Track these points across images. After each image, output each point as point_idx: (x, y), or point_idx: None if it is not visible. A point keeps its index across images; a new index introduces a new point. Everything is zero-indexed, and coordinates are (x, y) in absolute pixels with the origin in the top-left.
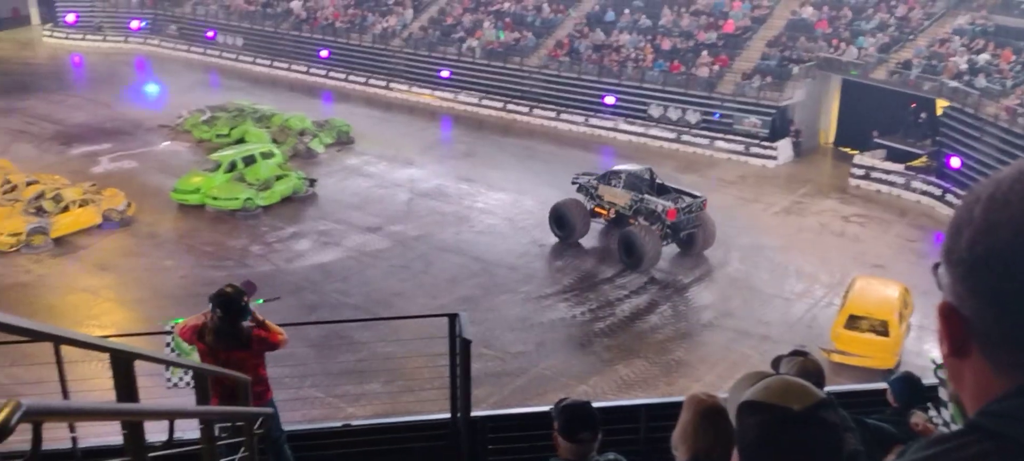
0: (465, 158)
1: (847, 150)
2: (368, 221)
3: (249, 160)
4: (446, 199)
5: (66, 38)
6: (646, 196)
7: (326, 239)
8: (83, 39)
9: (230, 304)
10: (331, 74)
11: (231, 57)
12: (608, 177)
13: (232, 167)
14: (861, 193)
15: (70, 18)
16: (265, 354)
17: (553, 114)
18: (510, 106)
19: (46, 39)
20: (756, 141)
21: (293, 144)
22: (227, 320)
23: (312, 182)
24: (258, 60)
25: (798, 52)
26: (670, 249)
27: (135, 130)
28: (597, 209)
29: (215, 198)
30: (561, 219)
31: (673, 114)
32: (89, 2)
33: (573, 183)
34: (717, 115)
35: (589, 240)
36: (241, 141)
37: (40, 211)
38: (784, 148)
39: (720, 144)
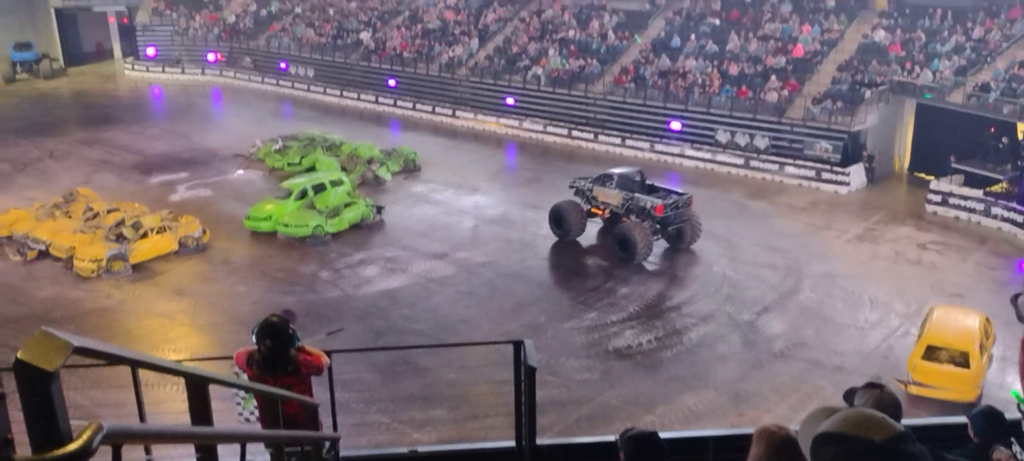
0: (530, 185)
1: (923, 176)
2: (434, 248)
3: (319, 188)
4: (511, 226)
5: (146, 71)
6: (637, 195)
7: (393, 266)
8: (162, 72)
9: (278, 333)
10: (399, 103)
11: (303, 88)
12: (602, 179)
13: (303, 195)
14: (938, 220)
15: (150, 52)
16: (312, 379)
17: (618, 140)
18: (575, 133)
19: (128, 72)
20: (827, 167)
21: (362, 172)
22: (276, 349)
23: (380, 209)
24: (329, 90)
25: (870, 76)
26: (738, 278)
27: (211, 159)
28: (594, 209)
29: (286, 225)
30: (559, 219)
31: (741, 140)
32: (168, 36)
33: (570, 187)
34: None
35: (587, 239)
36: (312, 169)
37: (120, 238)
38: (857, 174)
39: (790, 170)
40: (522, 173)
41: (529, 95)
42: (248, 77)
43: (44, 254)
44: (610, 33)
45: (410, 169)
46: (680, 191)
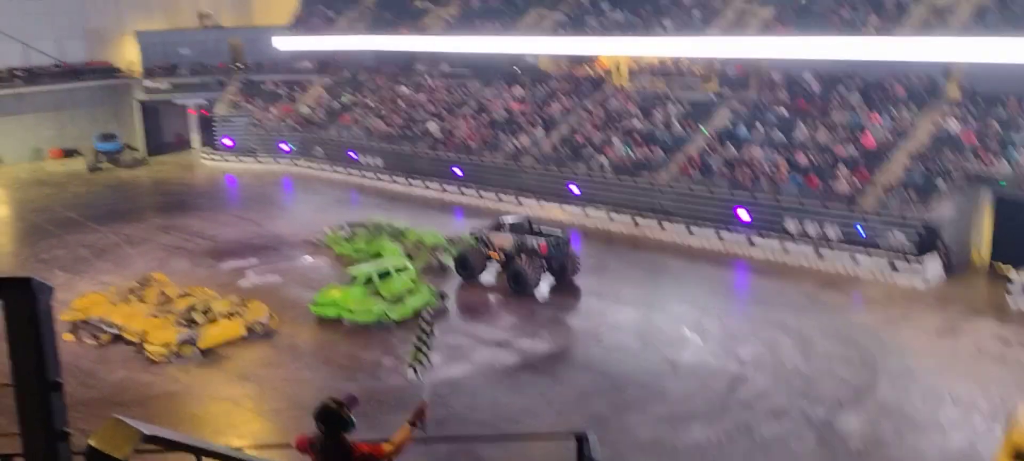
0: (594, 272)
1: (1003, 267)
2: (497, 336)
3: (384, 274)
4: (575, 314)
5: (223, 160)
6: (525, 237)
7: (455, 353)
8: (238, 161)
9: (331, 418)
10: (464, 191)
11: (371, 176)
12: (497, 227)
13: (368, 281)
14: (1021, 314)
15: (227, 142)
16: None
17: (684, 229)
18: (640, 220)
19: (204, 161)
20: (902, 257)
21: (426, 259)
22: (330, 434)
23: (443, 296)
24: (396, 178)
25: (944, 165)
26: (811, 372)
27: (280, 245)
28: (491, 253)
29: (351, 311)
30: (464, 262)
31: (811, 229)
32: (244, 127)
33: (471, 234)
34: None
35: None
36: (377, 256)
37: (191, 322)
38: (933, 265)
39: (863, 260)
40: (586, 260)
41: (593, 183)
42: (319, 166)
43: (117, 338)
44: (675, 123)
45: None
46: (557, 232)
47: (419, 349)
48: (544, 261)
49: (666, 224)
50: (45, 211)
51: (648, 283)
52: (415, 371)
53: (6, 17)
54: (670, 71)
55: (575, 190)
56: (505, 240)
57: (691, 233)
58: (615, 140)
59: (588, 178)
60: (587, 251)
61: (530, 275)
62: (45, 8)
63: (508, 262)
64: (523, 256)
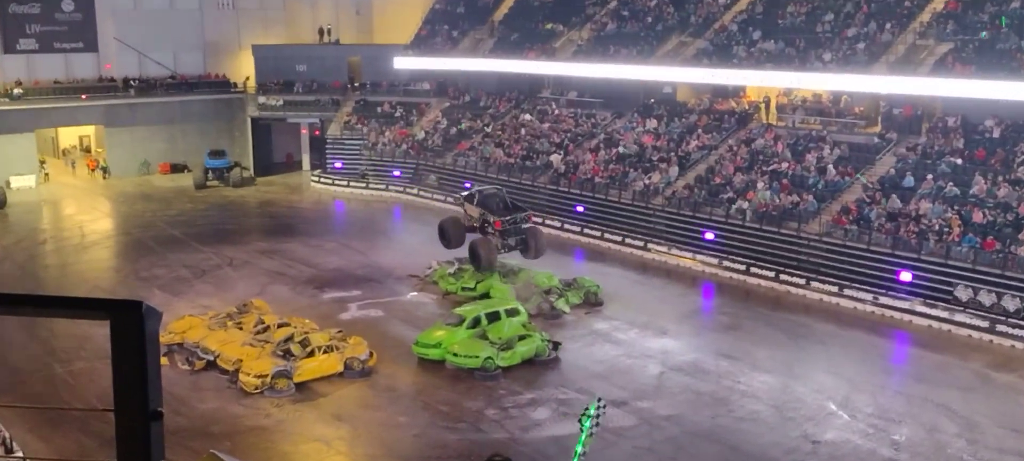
0: (727, 331)
1: None
2: (613, 393)
3: (493, 317)
4: (703, 377)
5: (332, 184)
6: (484, 212)
7: (565, 409)
8: (347, 185)
9: None
10: (586, 231)
11: None
12: (470, 197)
13: (475, 323)
14: None
15: (338, 164)
16: None
17: (835, 289)
18: (783, 276)
19: (313, 184)
20: None
21: (538, 302)
22: None
23: (555, 345)
24: None
25: None
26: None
27: (385, 278)
28: (472, 223)
29: (455, 354)
30: (443, 232)
31: (986, 299)
32: (357, 150)
33: (456, 201)
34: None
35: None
36: (486, 296)
37: (287, 354)
38: None
39: None
40: (719, 317)
41: (732, 231)
42: (431, 195)
43: (211, 364)
44: (830, 167)
45: (591, 303)
46: (521, 207)
47: (585, 439)
48: (499, 235)
49: (814, 282)
50: (149, 227)
51: (789, 347)
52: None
53: (125, 26)
54: (827, 109)
55: (710, 237)
56: (473, 212)
57: (842, 294)
58: (759, 183)
59: (726, 224)
60: (720, 307)
61: (482, 251)
62: (164, 18)
63: (482, 231)
64: (486, 229)
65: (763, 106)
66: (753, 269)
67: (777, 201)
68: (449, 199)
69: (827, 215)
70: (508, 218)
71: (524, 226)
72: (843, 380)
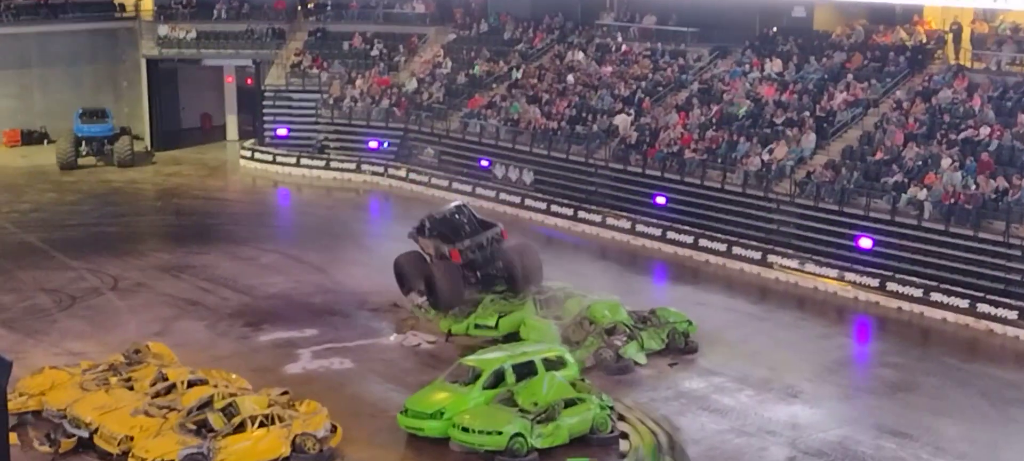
0: (894, 394)
1: None
2: None
3: (525, 370)
4: None
5: (273, 161)
6: (436, 242)
7: None
8: (297, 164)
9: None
10: (669, 235)
11: (513, 199)
12: (421, 228)
13: (497, 380)
14: None
15: (281, 132)
16: None
17: None
18: (983, 307)
19: (245, 162)
20: None
21: (596, 348)
22: None
23: (621, 416)
24: (554, 207)
25: None
26: None
27: (354, 310)
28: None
29: (466, 429)
30: (399, 273)
31: None
32: (311, 109)
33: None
34: None
35: None
36: (514, 338)
37: (202, 428)
38: None
39: None
40: (881, 372)
41: (901, 234)
42: (428, 178)
43: (86, 444)
44: None
45: (679, 348)
46: (492, 225)
47: None
48: (466, 270)
49: None
50: None
51: (994, 420)
52: None
53: None
54: None
55: (866, 244)
56: (429, 246)
57: None
58: (945, 160)
59: (891, 225)
60: (884, 354)
61: (442, 284)
62: None
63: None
64: (442, 261)
65: (950, 38)
66: (935, 296)
67: (973, 188)
68: (453, 185)
69: None
70: (467, 243)
71: (498, 245)
72: None
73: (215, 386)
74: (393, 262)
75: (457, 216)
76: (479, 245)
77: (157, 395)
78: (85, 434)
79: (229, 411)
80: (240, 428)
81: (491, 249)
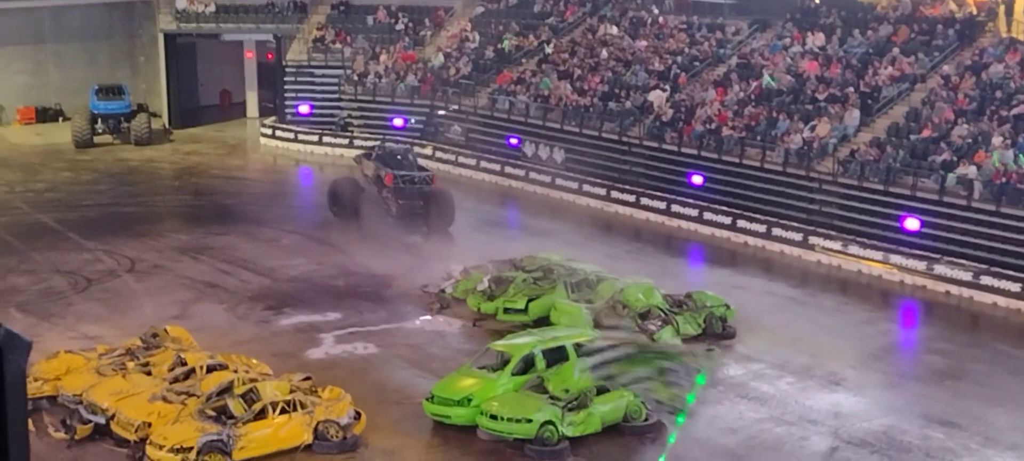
0: (942, 381)
1: None
2: None
3: (556, 356)
4: (904, 454)
5: (295, 139)
6: (377, 165)
7: None
8: (319, 142)
9: None
10: (706, 216)
11: (543, 179)
12: (368, 153)
13: (527, 366)
14: None
15: (304, 109)
16: None
17: None
18: None
19: (265, 140)
20: None
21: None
22: None
23: (660, 402)
24: (586, 186)
25: None
26: None
27: (379, 293)
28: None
29: (494, 416)
30: (334, 195)
31: None
32: (334, 84)
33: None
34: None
35: None
36: (545, 323)
37: (222, 414)
38: None
39: None
40: (927, 358)
41: (950, 216)
42: (455, 156)
43: (102, 430)
44: None
45: (716, 333)
46: (424, 168)
47: None
48: (391, 194)
49: None
50: (2, 210)
51: None
52: None
53: None
54: None
55: (913, 225)
56: (368, 168)
57: None
58: (995, 138)
59: (939, 205)
60: (931, 340)
61: (348, 196)
62: None
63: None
64: (377, 185)
65: (1002, 9)
66: (984, 278)
67: None
68: (480, 163)
69: None
70: (402, 174)
71: (426, 189)
72: None
73: (235, 371)
74: (330, 184)
75: (400, 156)
76: (410, 180)
77: (176, 380)
78: (102, 420)
79: (249, 397)
80: (261, 415)
81: (419, 187)
